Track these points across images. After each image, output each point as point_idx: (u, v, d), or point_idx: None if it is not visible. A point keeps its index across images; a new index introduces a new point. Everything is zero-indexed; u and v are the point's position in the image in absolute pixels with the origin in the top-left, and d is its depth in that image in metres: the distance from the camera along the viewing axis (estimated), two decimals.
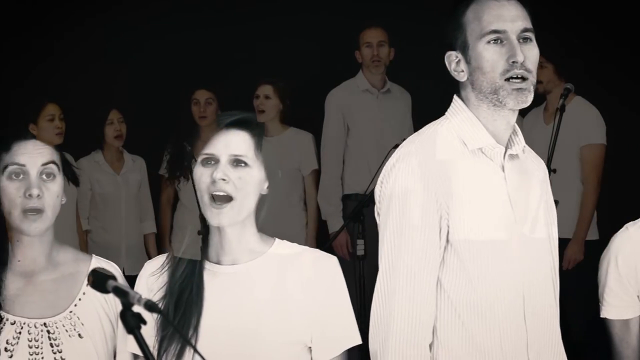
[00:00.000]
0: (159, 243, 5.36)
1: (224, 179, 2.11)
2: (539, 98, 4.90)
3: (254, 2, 5.67)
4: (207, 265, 2.20)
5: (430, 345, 2.16)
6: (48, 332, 2.21)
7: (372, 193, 4.26)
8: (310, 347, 2.17)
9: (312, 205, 5.26)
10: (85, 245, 5.10)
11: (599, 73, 5.05)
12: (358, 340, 2.20)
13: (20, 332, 2.20)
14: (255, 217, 2.22)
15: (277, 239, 2.26)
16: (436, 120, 2.29)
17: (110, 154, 5.22)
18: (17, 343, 2.18)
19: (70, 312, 2.24)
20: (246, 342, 2.12)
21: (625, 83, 5.10)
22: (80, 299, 2.26)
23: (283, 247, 2.24)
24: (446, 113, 2.28)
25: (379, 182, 2.25)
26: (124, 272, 2.31)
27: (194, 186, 4.05)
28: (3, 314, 2.21)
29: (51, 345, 2.20)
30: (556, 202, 3.55)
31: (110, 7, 5.48)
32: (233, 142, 2.17)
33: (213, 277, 2.19)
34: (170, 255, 2.24)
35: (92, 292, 2.16)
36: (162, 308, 2.16)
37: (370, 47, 5.19)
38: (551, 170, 3.60)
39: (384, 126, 5.18)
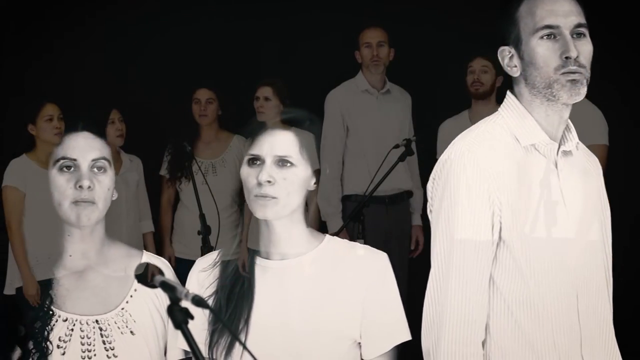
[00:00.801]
0: (158, 243, 5.35)
1: (269, 181, 2.14)
2: None
3: (254, 2, 5.66)
4: (257, 261, 2.22)
5: (483, 343, 2.16)
6: (100, 329, 2.19)
7: (372, 193, 4.28)
8: (359, 343, 2.18)
9: (312, 205, 5.24)
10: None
11: (601, 73, 5.03)
12: (408, 336, 2.21)
13: (72, 329, 2.18)
14: (303, 213, 2.24)
15: (327, 235, 2.28)
16: (489, 117, 2.29)
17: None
18: (70, 340, 2.17)
19: (122, 309, 2.23)
20: (295, 337, 2.13)
21: (627, 83, 5.08)
22: (131, 296, 2.25)
23: (333, 243, 2.26)
24: (499, 109, 2.29)
25: (430, 178, 2.25)
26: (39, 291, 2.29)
27: (194, 186, 4.05)
28: (55, 310, 2.20)
29: (103, 342, 2.18)
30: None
31: (107, 7, 5.47)
32: (278, 143, 2.18)
33: (263, 272, 2.20)
34: (222, 252, 2.26)
35: (143, 289, 2.19)
36: (213, 303, 2.19)
37: (370, 47, 5.18)
38: None
39: (384, 127, 5.17)
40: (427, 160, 5.20)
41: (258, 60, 5.66)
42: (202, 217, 3.89)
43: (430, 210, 2.24)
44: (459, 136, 2.25)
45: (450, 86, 5.20)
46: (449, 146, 2.23)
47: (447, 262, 2.13)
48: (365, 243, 4.64)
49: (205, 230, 3.88)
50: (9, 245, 4.74)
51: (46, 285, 2.22)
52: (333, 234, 5.02)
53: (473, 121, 5.03)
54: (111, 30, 5.50)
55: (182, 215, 5.25)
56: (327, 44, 5.61)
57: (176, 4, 5.58)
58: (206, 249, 3.81)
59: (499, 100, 5.05)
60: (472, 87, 5.00)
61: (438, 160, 2.24)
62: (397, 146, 4.30)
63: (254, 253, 2.22)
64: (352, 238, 4.83)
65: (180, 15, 5.59)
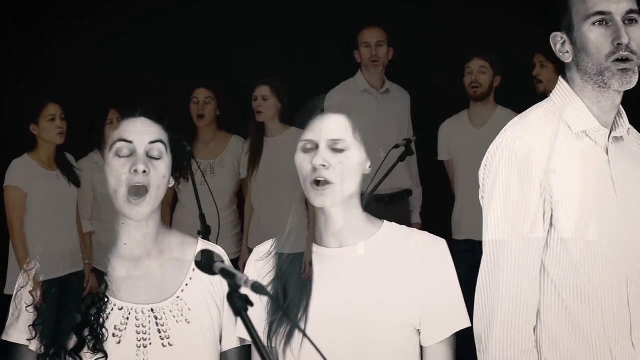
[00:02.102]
0: None
1: (323, 165, 2.12)
2: (539, 98, 4.90)
3: (254, 3, 5.67)
4: (315, 249, 2.20)
5: (534, 329, 2.17)
6: (155, 317, 2.17)
7: (372, 192, 4.27)
8: (418, 330, 2.17)
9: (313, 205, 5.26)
10: (87, 245, 5.09)
11: None
12: (467, 323, 2.19)
13: (128, 318, 2.16)
14: (360, 198, 2.22)
15: (385, 221, 2.25)
16: (540, 103, 2.29)
17: None
18: (125, 329, 2.15)
19: (178, 297, 2.20)
20: (354, 325, 2.12)
21: None
22: (187, 284, 2.22)
23: (392, 229, 2.23)
24: (550, 95, 2.28)
25: (482, 165, 2.25)
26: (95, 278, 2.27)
27: (194, 186, 4.07)
28: (111, 299, 2.18)
29: (159, 331, 2.16)
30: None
31: (107, 5, 5.48)
32: (331, 127, 2.15)
33: (320, 260, 2.19)
34: (277, 240, 2.25)
35: (198, 277, 2.19)
36: (271, 291, 2.17)
37: (369, 47, 5.18)
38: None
39: (383, 126, 5.18)
40: (426, 160, 5.23)
41: (257, 60, 5.66)
42: (202, 217, 3.89)
43: (482, 197, 2.24)
44: (511, 123, 2.26)
45: (449, 85, 5.21)
46: (501, 133, 2.25)
47: (499, 249, 2.14)
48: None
49: (205, 230, 3.88)
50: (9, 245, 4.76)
51: (101, 272, 2.21)
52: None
53: (472, 121, 5.07)
54: (111, 30, 5.51)
55: (180, 216, 5.25)
56: (326, 43, 5.62)
57: (176, 4, 5.59)
58: None
59: (498, 100, 5.11)
60: (470, 89, 5.00)
61: (490, 147, 2.25)
62: (397, 146, 4.30)
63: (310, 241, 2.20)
64: None
65: (180, 16, 5.59)
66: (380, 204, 5.00)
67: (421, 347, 2.19)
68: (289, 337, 2.14)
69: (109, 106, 5.15)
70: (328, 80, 5.33)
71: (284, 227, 5.18)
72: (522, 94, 4.90)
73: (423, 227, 5.21)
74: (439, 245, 2.20)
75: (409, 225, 5.31)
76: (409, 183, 5.26)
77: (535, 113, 2.25)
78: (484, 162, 2.24)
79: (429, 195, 5.40)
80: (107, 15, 5.50)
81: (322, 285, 2.16)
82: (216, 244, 3.84)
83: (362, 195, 2.21)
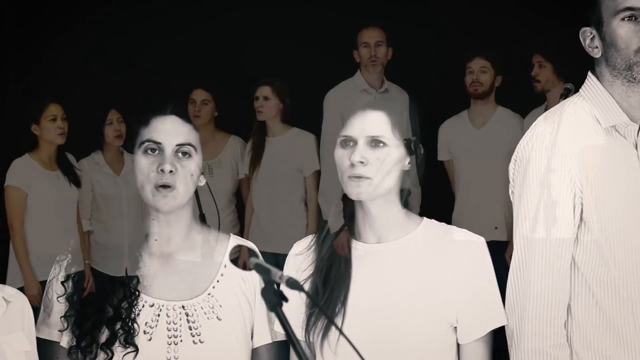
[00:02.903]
0: None
1: (361, 162, 2.14)
2: (539, 98, 4.91)
3: (254, 3, 5.67)
4: (353, 244, 2.23)
5: (565, 323, 2.17)
6: (186, 314, 2.16)
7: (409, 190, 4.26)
8: (455, 327, 2.17)
9: (313, 205, 5.27)
10: (87, 245, 5.10)
11: None
12: (504, 321, 2.19)
13: (159, 315, 2.16)
14: (399, 194, 2.22)
15: (425, 218, 2.25)
16: (569, 98, 2.29)
17: (110, 155, 5.21)
18: (156, 326, 2.14)
19: (209, 294, 2.20)
20: (391, 321, 2.12)
21: None
22: (218, 281, 2.22)
23: (431, 226, 2.24)
24: (580, 90, 2.27)
25: (512, 160, 2.25)
26: (126, 272, 2.27)
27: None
28: (142, 295, 2.17)
29: (189, 328, 2.15)
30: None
31: (107, 5, 5.48)
32: (370, 123, 2.18)
33: (359, 256, 2.20)
34: (316, 235, 2.27)
35: (230, 273, 2.21)
36: (310, 286, 2.18)
37: (368, 47, 5.18)
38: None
39: None
40: (426, 160, 5.22)
41: (258, 61, 5.67)
42: (202, 217, 3.89)
43: (512, 192, 2.25)
44: (540, 118, 2.26)
45: (449, 85, 5.21)
46: (530, 128, 2.24)
47: (530, 244, 2.15)
48: None
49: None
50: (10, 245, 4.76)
51: (132, 267, 2.20)
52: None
53: (472, 121, 5.07)
54: (111, 30, 5.51)
55: None
56: (326, 43, 5.62)
57: (176, 3, 5.59)
58: None
59: (498, 100, 5.12)
60: (471, 88, 5.00)
61: (519, 142, 2.24)
62: None
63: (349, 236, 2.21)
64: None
65: (180, 14, 5.59)
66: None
67: (457, 344, 2.19)
68: (326, 331, 2.14)
69: (109, 106, 5.16)
70: (327, 80, 5.34)
71: (284, 227, 5.21)
72: (522, 94, 4.92)
73: None
74: (478, 243, 2.21)
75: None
76: (408, 182, 5.25)
77: (565, 107, 2.24)
78: (513, 157, 2.24)
79: (428, 195, 5.39)
80: (107, 15, 5.50)
81: (360, 280, 2.17)
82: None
83: (402, 191, 2.22)
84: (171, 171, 2.14)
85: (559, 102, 3.93)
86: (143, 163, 2.17)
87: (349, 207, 2.22)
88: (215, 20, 5.66)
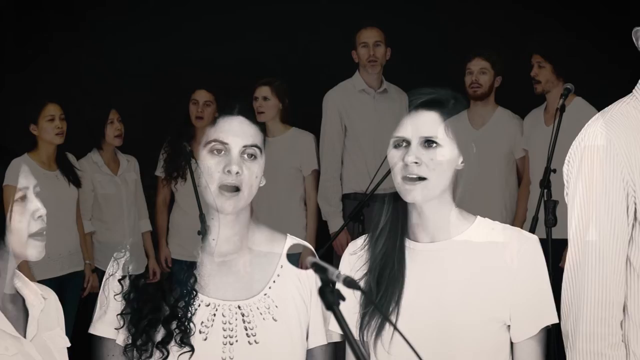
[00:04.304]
0: (154, 243, 5.35)
1: (416, 162, 2.12)
2: (539, 98, 4.90)
3: (254, 3, 5.67)
4: (407, 243, 2.21)
5: (621, 323, 2.16)
6: (242, 314, 2.15)
7: (372, 193, 4.28)
8: (508, 326, 2.17)
9: (312, 205, 5.26)
10: (88, 245, 5.10)
11: (600, 73, 5.05)
12: (555, 319, 2.19)
13: (215, 314, 2.15)
14: (453, 193, 2.22)
15: (478, 217, 2.25)
16: (623, 98, 2.28)
17: (108, 155, 5.22)
18: (212, 325, 2.14)
19: (265, 294, 2.19)
20: (445, 320, 2.12)
21: (626, 83, 5.09)
22: (274, 281, 2.21)
23: (484, 225, 2.24)
24: (633, 90, 2.26)
25: (565, 162, 2.25)
26: (184, 271, 2.25)
27: (194, 186, 4.05)
28: (199, 295, 2.16)
29: (245, 328, 2.14)
30: (556, 202, 3.57)
31: (107, 4, 5.48)
32: (423, 124, 2.16)
33: (413, 255, 2.19)
34: (369, 234, 2.25)
35: (286, 273, 2.20)
36: (364, 285, 2.18)
37: (367, 47, 5.18)
38: (551, 171, 3.60)
39: (381, 126, 5.18)
40: None
41: (258, 60, 5.66)
42: (202, 217, 3.88)
43: (566, 194, 2.24)
44: (592, 118, 2.24)
45: (449, 86, 5.19)
46: (583, 129, 2.23)
47: (584, 245, 2.14)
48: None
49: (205, 231, 3.87)
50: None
51: (190, 266, 2.19)
52: (334, 234, 5.07)
53: (472, 122, 5.06)
54: (111, 30, 5.51)
55: (177, 216, 5.23)
56: (326, 43, 5.62)
57: (175, 3, 5.59)
58: None
59: (498, 100, 5.11)
60: (470, 89, 4.99)
61: (572, 143, 2.24)
62: None
63: (402, 236, 2.21)
64: (352, 237, 4.86)
65: (180, 12, 5.59)
66: (381, 203, 5.00)
67: (511, 343, 2.19)
68: (379, 330, 2.14)
69: (110, 106, 5.16)
70: (327, 80, 5.34)
71: (283, 226, 5.17)
72: (522, 94, 4.91)
73: None
74: (531, 241, 2.20)
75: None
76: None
77: (617, 108, 2.23)
78: (566, 158, 2.24)
79: None
80: (107, 14, 5.50)
81: (414, 279, 2.17)
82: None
83: (454, 190, 2.22)
84: (237, 172, 2.12)
85: (558, 102, 3.93)
86: (209, 162, 2.15)
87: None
88: (215, 19, 5.65)
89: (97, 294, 5.65)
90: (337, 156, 5.23)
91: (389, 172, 4.35)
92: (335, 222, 5.12)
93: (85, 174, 4.99)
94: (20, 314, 2.06)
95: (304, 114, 5.21)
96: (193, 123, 5.20)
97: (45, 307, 2.10)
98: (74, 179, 4.87)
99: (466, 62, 5.01)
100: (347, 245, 5.19)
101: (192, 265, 2.19)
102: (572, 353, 2.16)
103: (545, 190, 3.59)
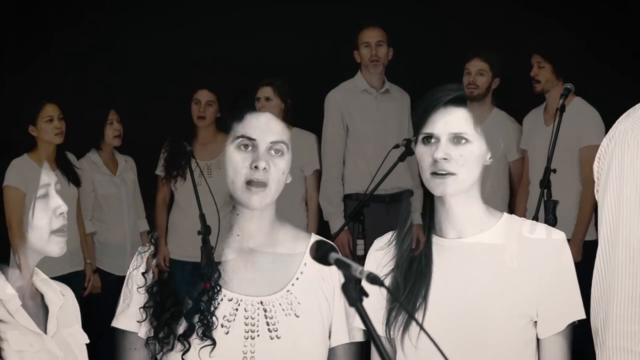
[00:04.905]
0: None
1: (445, 158, 2.13)
2: (539, 98, 4.90)
3: (254, 3, 5.67)
4: (434, 239, 2.22)
5: None
6: (264, 310, 2.16)
7: (372, 193, 4.28)
8: (535, 322, 2.18)
9: (313, 205, 5.27)
10: (89, 245, 5.11)
11: (599, 73, 5.05)
12: (582, 315, 2.19)
13: (237, 309, 2.15)
14: (480, 189, 2.23)
15: (505, 213, 2.26)
16: None
17: (106, 155, 5.23)
18: (234, 320, 2.14)
19: (287, 291, 2.19)
20: (472, 315, 2.13)
21: (626, 83, 5.10)
22: (297, 278, 2.21)
23: (512, 221, 2.24)
24: None
25: (596, 158, 2.23)
26: (207, 266, 2.26)
27: (194, 186, 4.06)
28: (222, 289, 2.17)
29: (267, 324, 2.15)
30: (556, 202, 3.57)
31: (107, 4, 5.48)
32: (452, 120, 2.17)
33: (440, 251, 2.20)
34: (397, 230, 2.26)
35: (309, 271, 2.20)
36: (391, 281, 2.19)
37: (369, 47, 5.18)
38: (551, 171, 3.60)
39: (383, 126, 5.18)
40: None
41: (258, 61, 5.66)
42: (202, 217, 3.87)
43: (597, 190, 2.22)
44: (623, 115, 2.22)
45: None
46: (614, 125, 2.20)
47: (614, 241, 2.11)
48: (365, 243, 4.67)
49: (205, 230, 3.87)
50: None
51: (214, 261, 2.20)
52: (334, 234, 5.07)
53: None
54: (111, 30, 5.51)
55: (176, 216, 5.23)
56: (328, 43, 5.63)
57: (176, 3, 5.59)
58: (206, 249, 3.80)
59: (498, 100, 5.10)
60: (466, 89, 4.97)
61: (602, 141, 2.21)
62: (397, 146, 4.30)
63: (430, 231, 2.23)
64: (353, 238, 4.86)
65: (180, 11, 5.59)
66: (381, 204, 5.00)
67: (537, 339, 2.20)
68: (407, 326, 2.15)
69: (109, 106, 5.16)
70: (328, 80, 5.34)
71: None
72: (521, 94, 4.91)
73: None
74: (558, 238, 2.21)
75: (411, 225, 5.31)
76: (410, 183, 5.25)
77: None
78: (597, 155, 2.22)
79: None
80: (107, 14, 5.50)
81: (441, 275, 2.18)
82: (216, 244, 3.86)
83: (482, 186, 2.23)
84: (265, 168, 2.13)
85: (558, 102, 3.94)
86: (236, 158, 2.16)
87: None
88: (216, 19, 5.66)
89: (97, 294, 5.66)
90: (338, 156, 5.22)
91: (389, 172, 4.38)
92: (336, 223, 5.12)
93: (85, 174, 4.99)
94: (39, 311, 2.07)
95: (305, 114, 5.21)
96: (195, 123, 5.20)
97: (64, 304, 2.11)
98: (74, 179, 4.88)
99: (465, 61, 5.01)
100: (348, 245, 5.24)
101: (217, 261, 2.21)
102: (601, 350, 2.13)
103: (545, 190, 3.59)
